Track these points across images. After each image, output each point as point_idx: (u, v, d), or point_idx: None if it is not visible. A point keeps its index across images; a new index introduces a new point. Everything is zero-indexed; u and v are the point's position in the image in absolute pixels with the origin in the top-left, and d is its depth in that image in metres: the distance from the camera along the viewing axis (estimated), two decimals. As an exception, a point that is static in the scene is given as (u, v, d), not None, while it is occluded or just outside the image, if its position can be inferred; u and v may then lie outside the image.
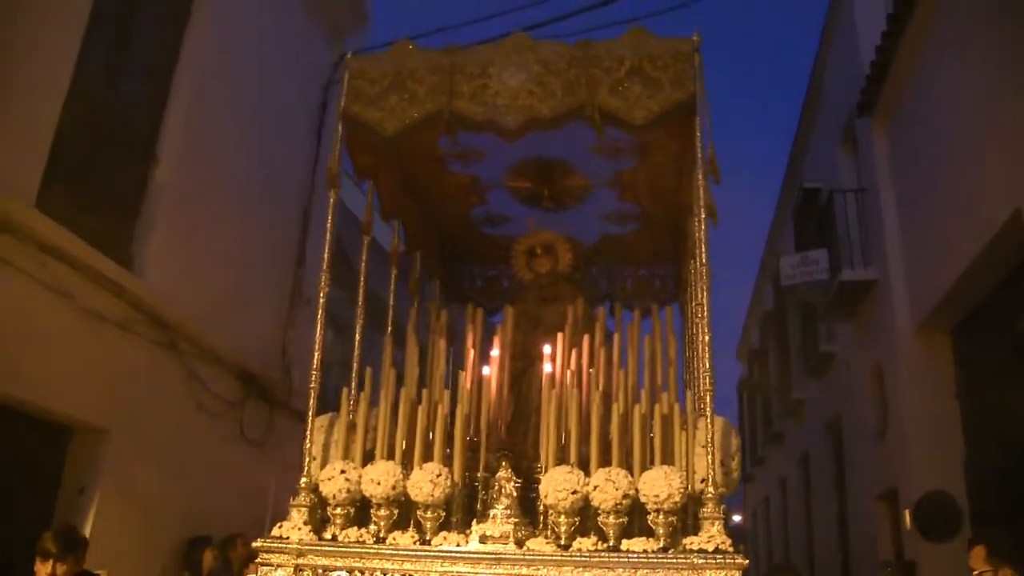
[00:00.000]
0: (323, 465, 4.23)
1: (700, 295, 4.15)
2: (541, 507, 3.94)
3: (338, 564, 3.86)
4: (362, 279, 4.85)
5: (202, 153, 7.05)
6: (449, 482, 3.95)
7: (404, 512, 4.01)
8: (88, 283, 5.60)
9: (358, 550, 3.87)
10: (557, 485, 3.75)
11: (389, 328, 5.13)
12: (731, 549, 3.49)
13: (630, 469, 3.83)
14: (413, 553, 3.81)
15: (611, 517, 3.68)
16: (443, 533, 3.89)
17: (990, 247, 6.22)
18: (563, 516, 3.75)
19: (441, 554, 3.78)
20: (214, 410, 7.14)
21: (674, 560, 3.52)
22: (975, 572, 3.94)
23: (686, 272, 5.11)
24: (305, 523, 3.99)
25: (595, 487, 3.72)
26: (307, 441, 4.22)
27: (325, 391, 4.35)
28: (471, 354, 4.83)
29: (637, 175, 5.20)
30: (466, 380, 4.49)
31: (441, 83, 4.33)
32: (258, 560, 3.98)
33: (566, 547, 3.69)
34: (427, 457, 4.10)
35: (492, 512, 3.94)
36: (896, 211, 8.61)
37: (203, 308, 6.91)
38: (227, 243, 7.42)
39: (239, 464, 7.43)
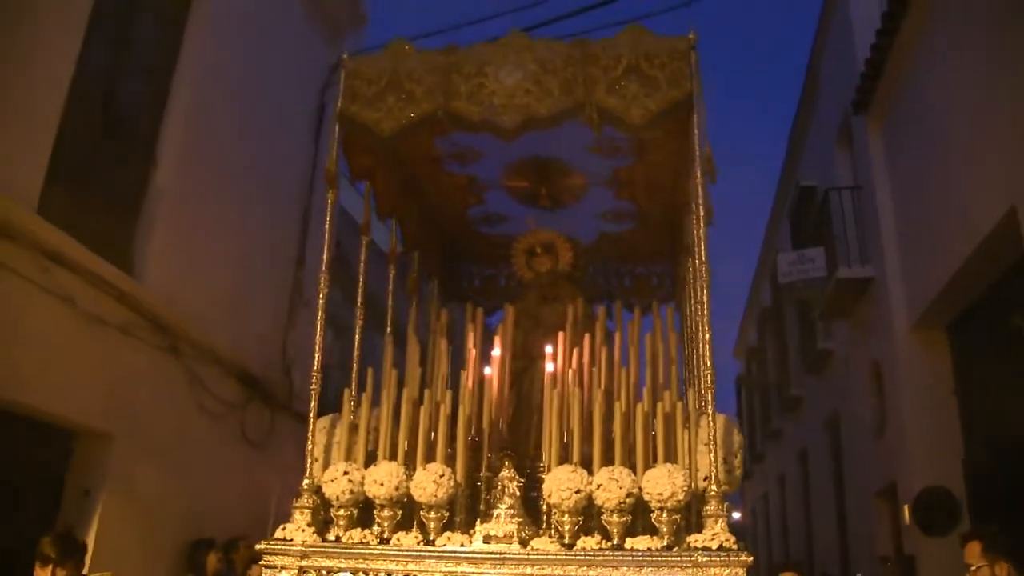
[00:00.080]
0: (325, 466, 4.23)
1: (700, 293, 4.17)
2: (544, 506, 3.95)
3: (342, 565, 3.87)
4: (361, 279, 4.86)
5: (201, 154, 7.05)
6: (452, 482, 3.95)
7: (407, 513, 4.02)
8: (90, 288, 5.61)
9: (362, 551, 3.88)
10: (561, 484, 3.76)
11: (388, 328, 5.14)
12: (735, 546, 3.51)
13: (633, 468, 3.84)
14: (417, 554, 3.83)
15: (615, 516, 3.69)
16: (447, 533, 3.90)
17: (985, 244, 6.25)
18: (567, 515, 3.75)
19: (445, 554, 3.79)
20: (216, 412, 7.15)
21: (678, 558, 3.54)
22: (972, 567, 3.95)
23: (683, 270, 5.13)
24: (308, 524, 4.00)
25: (598, 486, 3.73)
26: (309, 442, 4.23)
27: (325, 392, 4.35)
28: (472, 354, 4.84)
29: (634, 173, 5.21)
30: (468, 380, 4.50)
31: (438, 83, 4.34)
32: (262, 562, 3.99)
33: (570, 546, 3.70)
34: (429, 457, 4.11)
35: (496, 512, 3.95)
36: (892, 208, 8.63)
37: (203, 310, 6.92)
38: (227, 245, 7.43)
39: (241, 466, 7.44)
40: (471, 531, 3.90)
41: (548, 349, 4.70)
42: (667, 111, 4.14)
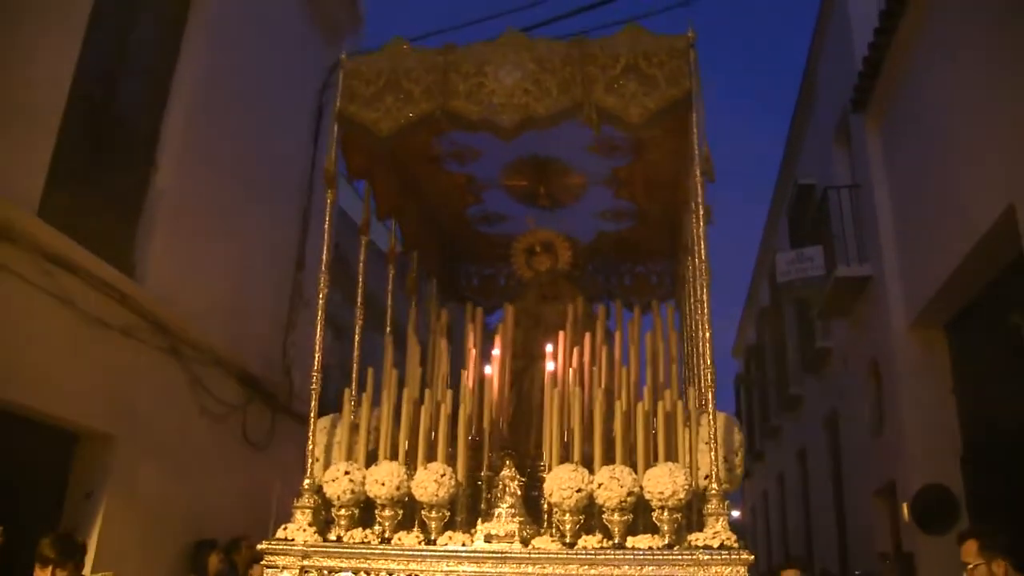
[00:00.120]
0: (326, 467, 4.24)
1: (700, 292, 4.17)
2: (545, 505, 3.95)
3: (343, 565, 3.88)
4: (361, 280, 4.86)
5: (201, 155, 7.04)
6: (453, 482, 3.96)
7: (408, 512, 4.03)
8: (91, 290, 5.61)
9: (363, 551, 3.89)
10: (562, 483, 3.76)
11: (388, 328, 5.14)
12: (736, 545, 3.52)
13: (634, 466, 3.85)
14: (418, 553, 3.83)
15: (616, 515, 3.70)
16: (448, 533, 3.90)
17: (983, 242, 6.26)
18: (568, 514, 3.76)
19: (446, 554, 3.80)
20: (216, 413, 7.15)
21: (680, 557, 3.54)
22: (969, 566, 3.96)
23: (682, 268, 5.14)
24: (310, 524, 4.01)
25: (600, 485, 3.74)
26: (309, 443, 4.23)
27: (326, 392, 4.35)
28: (472, 353, 4.84)
29: (633, 172, 5.22)
30: (468, 379, 4.51)
31: (436, 82, 4.34)
32: (263, 562, 4.00)
33: (571, 545, 3.70)
34: (430, 457, 4.12)
35: (497, 511, 3.95)
36: (890, 207, 8.64)
37: (204, 311, 6.92)
38: (227, 246, 7.43)
39: (242, 466, 7.44)
40: (472, 530, 3.90)
41: (548, 348, 4.71)
42: (666, 110, 4.15)
